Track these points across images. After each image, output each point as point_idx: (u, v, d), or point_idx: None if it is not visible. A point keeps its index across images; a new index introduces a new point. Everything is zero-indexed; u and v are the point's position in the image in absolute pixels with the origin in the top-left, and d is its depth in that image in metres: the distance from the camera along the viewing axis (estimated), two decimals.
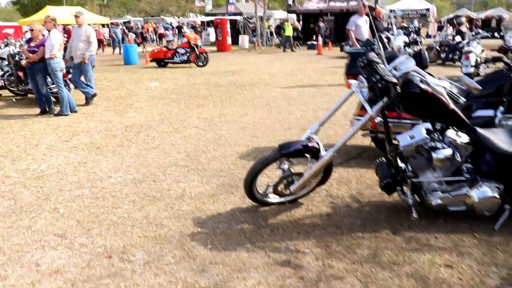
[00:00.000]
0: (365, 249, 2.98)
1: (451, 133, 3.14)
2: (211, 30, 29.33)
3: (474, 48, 10.67)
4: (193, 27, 25.25)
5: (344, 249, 3.00)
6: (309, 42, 23.75)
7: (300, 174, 3.49)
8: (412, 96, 3.01)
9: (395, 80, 2.98)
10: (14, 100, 9.41)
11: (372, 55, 3.25)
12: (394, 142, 3.26)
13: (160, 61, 16.11)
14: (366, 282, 2.62)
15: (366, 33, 9.70)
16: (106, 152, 5.47)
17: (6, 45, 11.84)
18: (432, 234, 3.15)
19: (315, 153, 3.39)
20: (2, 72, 9.42)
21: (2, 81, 9.29)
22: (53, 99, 8.03)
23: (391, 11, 27.81)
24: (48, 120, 7.39)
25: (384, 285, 2.59)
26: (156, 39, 31.40)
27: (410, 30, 16.94)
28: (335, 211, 3.64)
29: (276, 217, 3.51)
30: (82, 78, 8.61)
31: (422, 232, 3.18)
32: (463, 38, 13.82)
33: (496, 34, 20.65)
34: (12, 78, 9.23)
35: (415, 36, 14.39)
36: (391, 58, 3.37)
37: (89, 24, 9.75)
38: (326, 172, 3.59)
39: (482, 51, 11.20)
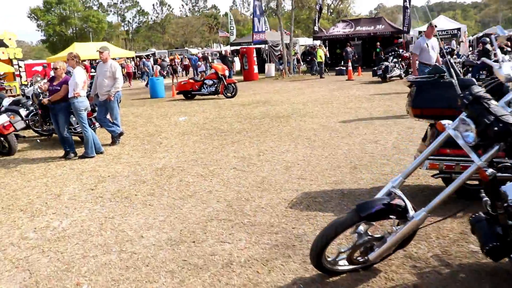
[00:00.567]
0: None
1: None
2: (236, 59, 29.10)
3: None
4: (224, 57, 24.87)
5: None
6: (337, 68, 23.11)
7: (381, 239, 2.77)
8: None
9: None
10: (38, 141, 8.97)
11: (478, 89, 2.53)
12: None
13: (188, 93, 15.65)
14: None
15: (434, 58, 8.70)
16: (135, 203, 4.79)
17: (32, 84, 11.55)
18: None
19: (401, 214, 2.67)
20: (27, 112, 8.99)
21: (27, 121, 8.85)
22: (78, 139, 7.47)
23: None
24: (72, 164, 6.82)
25: None
26: (180, 70, 31.38)
27: (446, 51, 16.15)
28: (422, 279, 2.88)
29: None
30: (108, 116, 8.09)
31: None
32: (489, 58, 12.99)
33: None
34: (37, 118, 8.81)
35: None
36: (465, 87, 2.81)
37: (114, 59, 9.31)
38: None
39: None
